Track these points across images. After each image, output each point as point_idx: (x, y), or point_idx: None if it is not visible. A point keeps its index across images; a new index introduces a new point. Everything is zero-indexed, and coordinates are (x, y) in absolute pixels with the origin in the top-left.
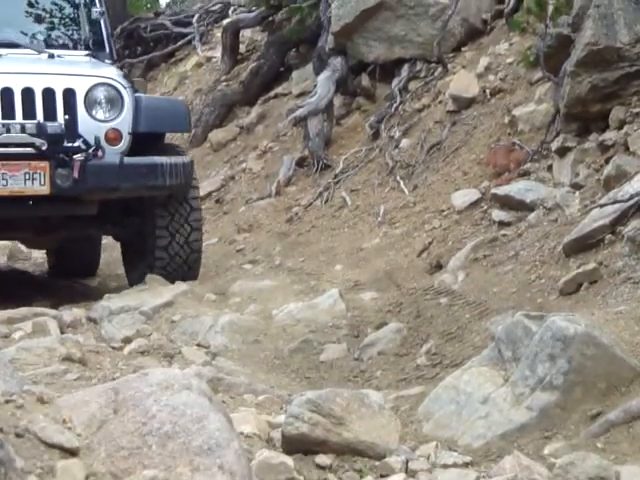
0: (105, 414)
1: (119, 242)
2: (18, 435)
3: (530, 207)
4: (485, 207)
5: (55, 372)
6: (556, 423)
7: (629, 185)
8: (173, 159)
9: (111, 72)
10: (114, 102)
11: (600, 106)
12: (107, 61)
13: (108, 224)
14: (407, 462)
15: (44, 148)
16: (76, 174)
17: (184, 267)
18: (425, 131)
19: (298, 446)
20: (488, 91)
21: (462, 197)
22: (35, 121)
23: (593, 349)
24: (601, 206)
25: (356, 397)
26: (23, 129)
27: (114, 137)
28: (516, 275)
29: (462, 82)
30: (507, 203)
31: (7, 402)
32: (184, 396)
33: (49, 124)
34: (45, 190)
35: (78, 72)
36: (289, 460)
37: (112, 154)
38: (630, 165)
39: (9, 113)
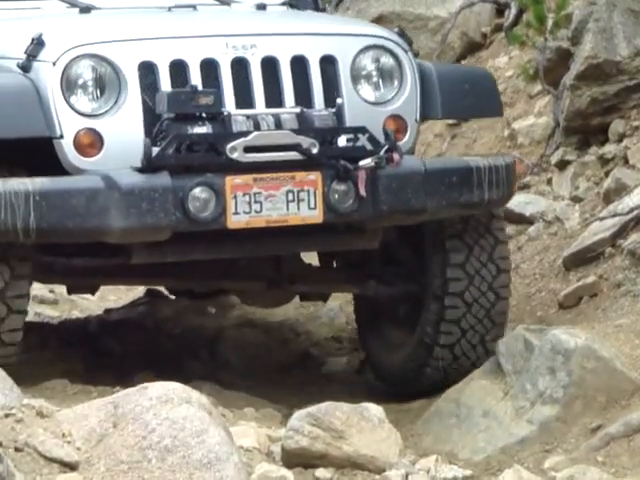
0: (105, 428)
1: (359, 305)
2: (17, 449)
3: (530, 220)
4: None
5: (55, 386)
6: (556, 436)
7: (629, 198)
8: (491, 159)
9: (379, 29)
10: (392, 75)
11: (600, 119)
12: (308, 11)
13: (370, 277)
14: (407, 476)
15: (315, 151)
16: (362, 190)
17: (485, 322)
18: (425, 144)
19: (298, 460)
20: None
21: None
22: (296, 109)
23: (593, 362)
24: (601, 219)
25: (356, 410)
26: (278, 123)
27: (396, 128)
28: (516, 288)
29: None
30: (507, 216)
31: (7, 416)
32: (184, 410)
33: (315, 113)
34: (317, 217)
35: (334, 30)
36: (289, 474)
37: (410, 157)
38: (630, 178)
39: (246, 99)
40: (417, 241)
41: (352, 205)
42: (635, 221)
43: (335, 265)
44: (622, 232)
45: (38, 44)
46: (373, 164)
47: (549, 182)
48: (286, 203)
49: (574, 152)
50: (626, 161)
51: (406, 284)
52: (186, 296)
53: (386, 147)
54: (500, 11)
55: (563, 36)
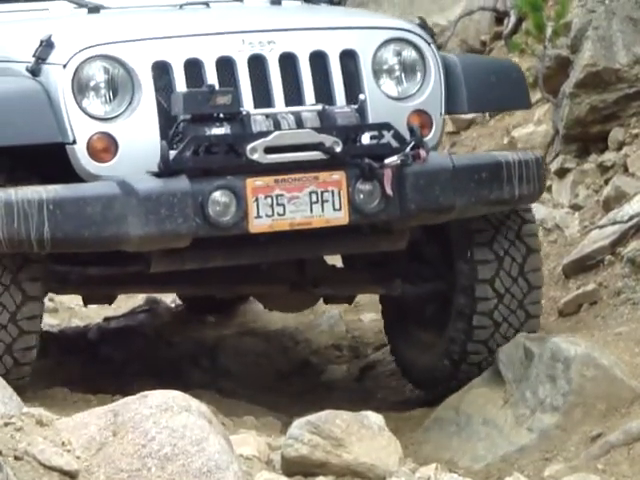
0: (104, 436)
1: (386, 308)
2: (17, 458)
3: None
4: None
5: (55, 394)
6: (556, 445)
7: (628, 206)
8: (520, 154)
9: (401, 21)
10: (415, 69)
11: (599, 127)
12: (324, 5)
13: (396, 277)
14: None
15: (338, 150)
16: (388, 189)
17: (519, 313)
18: None
19: (298, 468)
20: (487, 112)
21: None
22: (317, 107)
23: (593, 370)
24: (600, 227)
25: (356, 419)
26: (299, 121)
27: (421, 123)
28: None
29: None
30: None
31: (6, 424)
32: (184, 418)
33: (337, 110)
34: (342, 218)
35: (354, 24)
36: None
37: (435, 154)
38: (629, 186)
39: (265, 97)
40: (443, 237)
41: (378, 205)
42: (635, 229)
43: (359, 265)
44: (622, 240)
45: (47, 46)
46: (399, 162)
47: (549, 190)
48: (310, 204)
49: (574, 160)
50: (626, 169)
51: (433, 282)
52: (185, 305)
53: (412, 144)
54: (499, 19)
55: (562, 44)
